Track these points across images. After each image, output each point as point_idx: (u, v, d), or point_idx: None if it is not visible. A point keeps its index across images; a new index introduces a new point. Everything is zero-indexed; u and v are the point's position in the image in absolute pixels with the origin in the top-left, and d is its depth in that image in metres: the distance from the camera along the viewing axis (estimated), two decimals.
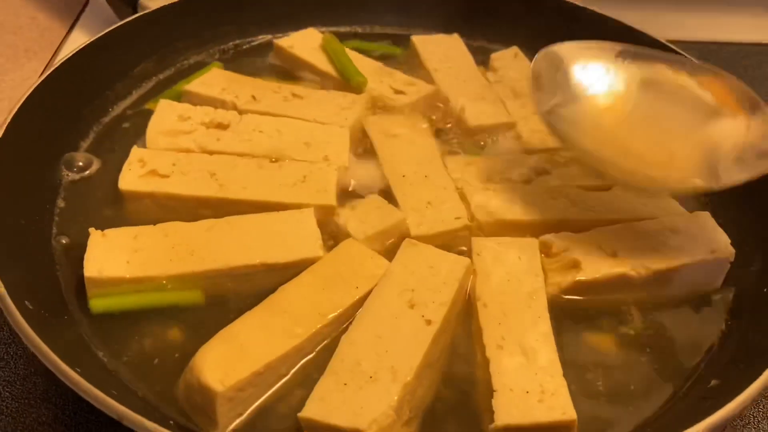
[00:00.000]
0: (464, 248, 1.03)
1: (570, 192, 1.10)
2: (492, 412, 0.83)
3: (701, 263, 1.01)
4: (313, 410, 0.82)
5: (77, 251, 0.96)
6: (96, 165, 1.14)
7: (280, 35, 1.40)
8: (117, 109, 1.24)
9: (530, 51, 1.17)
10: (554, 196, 1.09)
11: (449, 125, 1.24)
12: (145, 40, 1.29)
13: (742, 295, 1.02)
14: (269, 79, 1.29)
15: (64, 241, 1.03)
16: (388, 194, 1.10)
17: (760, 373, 0.83)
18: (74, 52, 1.17)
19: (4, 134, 1.00)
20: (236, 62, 1.36)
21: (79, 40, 1.54)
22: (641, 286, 1.00)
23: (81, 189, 1.10)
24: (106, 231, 0.98)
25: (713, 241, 1.03)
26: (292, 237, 1.00)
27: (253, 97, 1.22)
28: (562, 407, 0.84)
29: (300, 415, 0.82)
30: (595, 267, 0.99)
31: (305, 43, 1.36)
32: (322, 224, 1.03)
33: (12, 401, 0.95)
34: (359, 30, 1.46)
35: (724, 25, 1.71)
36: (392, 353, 0.87)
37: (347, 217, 1.05)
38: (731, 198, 1.12)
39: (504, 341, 0.90)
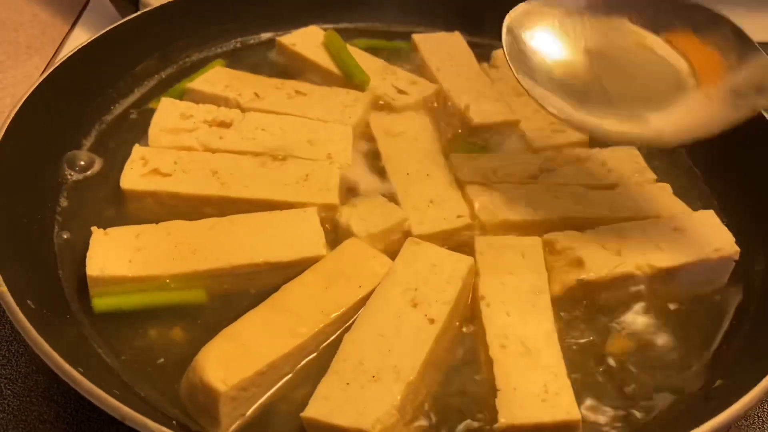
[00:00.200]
0: (467, 247, 1.03)
1: (574, 190, 1.10)
2: (495, 412, 0.83)
3: (706, 262, 1.01)
4: (316, 410, 0.82)
5: (79, 250, 0.96)
6: (98, 163, 1.13)
7: (282, 33, 1.39)
8: (119, 108, 1.24)
9: None
10: (558, 195, 1.09)
11: (452, 123, 1.24)
12: (147, 37, 1.29)
13: (748, 293, 1.02)
14: (272, 77, 1.29)
15: (66, 240, 1.03)
16: (390, 192, 1.09)
17: (765, 374, 0.82)
18: (76, 50, 1.17)
19: (5, 133, 1.00)
20: (238, 60, 1.36)
21: (81, 37, 1.54)
22: (645, 285, 1.00)
23: (83, 188, 1.10)
24: (109, 230, 0.97)
25: (718, 240, 1.02)
26: (295, 236, 1.00)
27: (256, 95, 1.22)
28: (566, 407, 0.84)
29: (303, 414, 0.82)
30: (599, 266, 0.98)
31: (308, 40, 1.35)
32: (324, 222, 1.03)
33: (13, 399, 0.95)
34: (361, 27, 1.46)
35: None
36: (395, 352, 0.87)
37: (349, 216, 1.04)
38: (737, 196, 1.12)
39: (507, 340, 0.90)
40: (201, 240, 0.98)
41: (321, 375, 0.85)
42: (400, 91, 1.26)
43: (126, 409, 0.74)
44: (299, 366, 0.89)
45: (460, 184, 1.11)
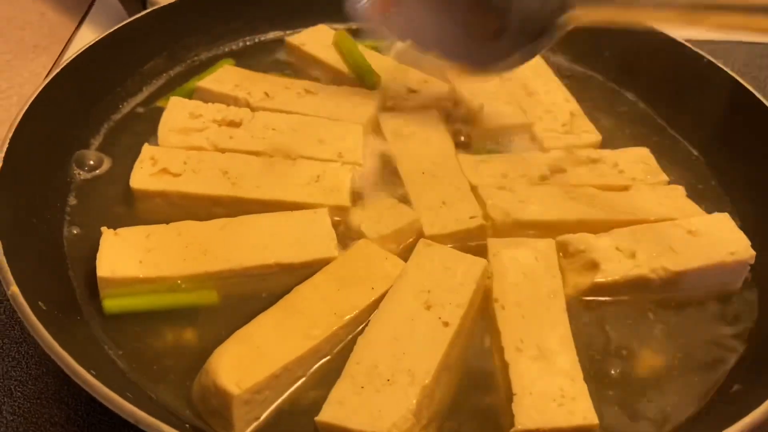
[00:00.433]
0: (480, 249, 1.02)
1: (587, 192, 1.09)
2: (512, 416, 0.83)
3: (720, 265, 1.00)
4: (331, 414, 0.81)
5: (89, 251, 0.95)
6: (107, 163, 1.12)
7: (290, 32, 1.38)
8: (127, 107, 1.23)
9: None
10: (572, 196, 1.08)
11: (464, 124, 1.23)
12: (155, 36, 1.28)
13: (763, 297, 1.01)
14: (281, 76, 1.28)
15: (76, 240, 1.01)
16: (401, 193, 1.08)
17: None
18: (83, 49, 1.16)
19: (14, 134, 0.99)
20: (247, 59, 1.35)
21: (88, 36, 1.53)
22: (660, 288, 0.99)
23: (92, 187, 1.09)
24: (119, 230, 0.96)
25: (733, 243, 1.01)
26: (306, 237, 0.99)
27: (266, 94, 1.21)
28: (583, 412, 0.83)
29: (318, 419, 0.81)
30: (614, 268, 0.98)
31: (317, 40, 1.35)
32: (335, 224, 1.02)
33: (24, 401, 0.94)
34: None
35: None
36: (409, 355, 0.86)
37: (361, 217, 1.04)
38: (751, 199, 1.11)
39: (523, 344, 0.89)
40: (212, 241, 0.97)
41: (335, 378, 0.84)
42: (412, 91, 1.25)
43: (140, 413, 0.74)
44: (313, 369, 0.88)
45: (472, 186, 1.10)
